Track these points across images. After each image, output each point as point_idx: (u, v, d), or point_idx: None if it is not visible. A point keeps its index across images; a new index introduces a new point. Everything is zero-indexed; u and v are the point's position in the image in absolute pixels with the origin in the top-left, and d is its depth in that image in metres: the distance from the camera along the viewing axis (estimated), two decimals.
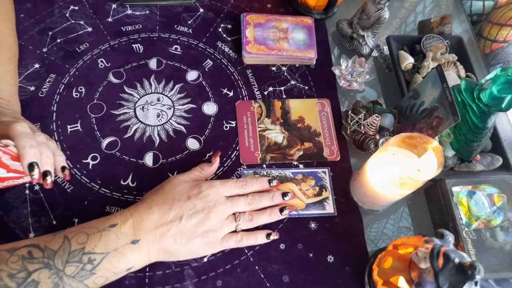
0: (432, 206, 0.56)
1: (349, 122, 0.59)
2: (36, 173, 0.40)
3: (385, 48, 0.69)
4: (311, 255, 0.51)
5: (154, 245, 0.43)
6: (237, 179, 0.50)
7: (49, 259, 0.38)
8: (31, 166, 0.40)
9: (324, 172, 0.57)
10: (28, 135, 0.41)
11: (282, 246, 0.51)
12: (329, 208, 0.54)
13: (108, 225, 0.42)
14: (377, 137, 0.56)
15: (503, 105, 0.48)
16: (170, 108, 0.60)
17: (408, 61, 0.63)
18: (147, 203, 0.44)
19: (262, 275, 0.49)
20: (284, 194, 0.51)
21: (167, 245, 0.43)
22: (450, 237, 0.41)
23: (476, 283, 0.37)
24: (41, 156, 0.41)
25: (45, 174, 0.42)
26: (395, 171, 0.44)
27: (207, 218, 0.45)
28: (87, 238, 0.40)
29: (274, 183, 0.52)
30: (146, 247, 0.42)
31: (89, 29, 0.65)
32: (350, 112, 0.59)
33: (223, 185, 0.48)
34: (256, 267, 0.49)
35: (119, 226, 0.42)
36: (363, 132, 0.57)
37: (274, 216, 0.50)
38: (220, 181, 0.49)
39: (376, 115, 0.56)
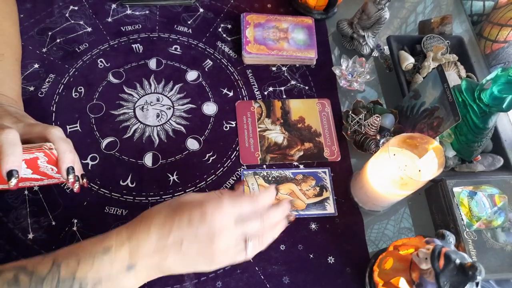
0: (433, 206, 0.56)
1: (350, 122, 0.58)
2: (72, 177, 0.42)
3: (386, 48, 0.69)
4: (311, 256, 0.51)
5: (153, 270, 0.39)
6: (249, 196, 0.41)
7: (36, 285, 0.35)
8: (68, 170, 0.41)
9: (325, 173, 0.57)
10: (66, 140, 0.42)
11: (282, 247, 0.51)
12: (330, 208, 0.54)
13: (102, 248, 0.37)
14: (378, 137, 0.56)
15: (504, 106, 0.48)
16: (169, 108, 0.59)
17: (408, 61, 0.63)
18: (145, 223, 0.39)
19: (262, 276, 0.49)
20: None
21: (167, 269, 0.40)
22: (451, 238, 0.41)
23: (477, 284, 0.37)
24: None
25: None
26: (395, 171, 0.43)
27: (209, 247, 0.38)
28: (78, 263, 0.37)
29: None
30: (144, 270, 0.39)
31: (89, 29, 0.65)
32: (350, 112, 0.59)
33: (232, 205, 0.39)
34: (256, 268, 0.49)
35: (113, 251, 0.37)
36: (363, 132, 0.57)
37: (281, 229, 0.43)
38: (228, 199, 0.39)
39: (377, 115, 0.56)
